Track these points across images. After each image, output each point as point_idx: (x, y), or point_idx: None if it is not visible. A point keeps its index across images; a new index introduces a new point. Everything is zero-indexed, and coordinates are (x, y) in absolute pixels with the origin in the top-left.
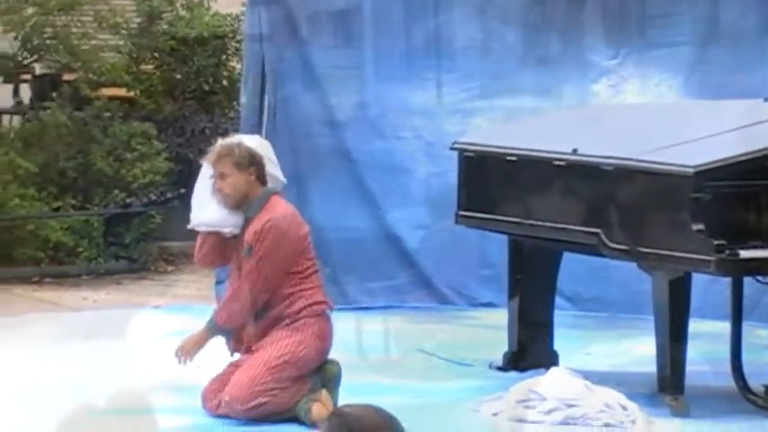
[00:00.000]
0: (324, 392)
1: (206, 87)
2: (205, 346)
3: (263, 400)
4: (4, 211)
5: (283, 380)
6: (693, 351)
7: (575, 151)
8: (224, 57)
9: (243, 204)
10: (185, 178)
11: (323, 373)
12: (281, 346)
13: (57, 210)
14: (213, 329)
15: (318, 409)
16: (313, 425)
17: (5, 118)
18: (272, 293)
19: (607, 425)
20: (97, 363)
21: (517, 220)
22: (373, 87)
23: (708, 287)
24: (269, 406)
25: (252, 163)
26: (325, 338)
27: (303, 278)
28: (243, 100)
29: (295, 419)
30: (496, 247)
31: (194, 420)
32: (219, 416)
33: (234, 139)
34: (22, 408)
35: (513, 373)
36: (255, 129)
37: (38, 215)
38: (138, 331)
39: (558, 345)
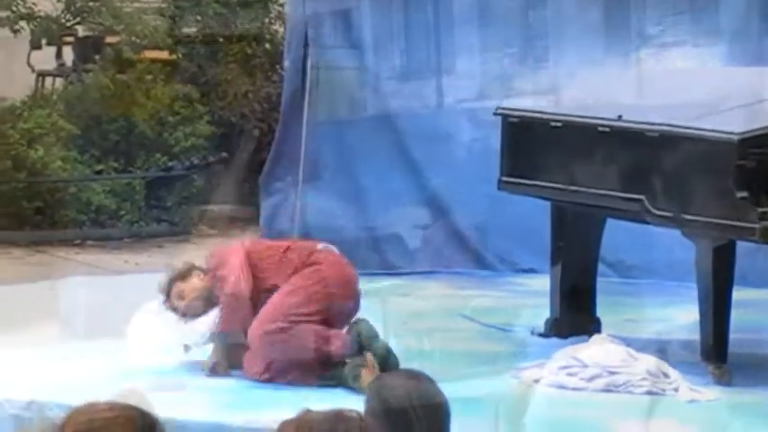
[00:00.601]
0: (369, 356)
1: (248, 51)
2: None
3: (283, 325)
4: (47, 174)
5: (297, 312)
6: (737, 319)
7: (619, 117)
8: (267, 20)
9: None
10: (227, 142)
11: (358, 333)
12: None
13: (99, 172)
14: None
15: (366, 375)
16: (363, 391)
17: (48, 80)
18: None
19: (649, 392)
20: (137, 327)
21: (560, 186)
22: (416, 53)
23: (753, 255)
24: (287, 334)
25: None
26: (326, 281)
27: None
28: (286, 63)
29: (340, 385)
30: (539, 213)
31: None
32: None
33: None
34: (67, 372)
35: (554, 340)
36: (298, 92)
37: (80, 178)
38: None
39: (600, 312)
